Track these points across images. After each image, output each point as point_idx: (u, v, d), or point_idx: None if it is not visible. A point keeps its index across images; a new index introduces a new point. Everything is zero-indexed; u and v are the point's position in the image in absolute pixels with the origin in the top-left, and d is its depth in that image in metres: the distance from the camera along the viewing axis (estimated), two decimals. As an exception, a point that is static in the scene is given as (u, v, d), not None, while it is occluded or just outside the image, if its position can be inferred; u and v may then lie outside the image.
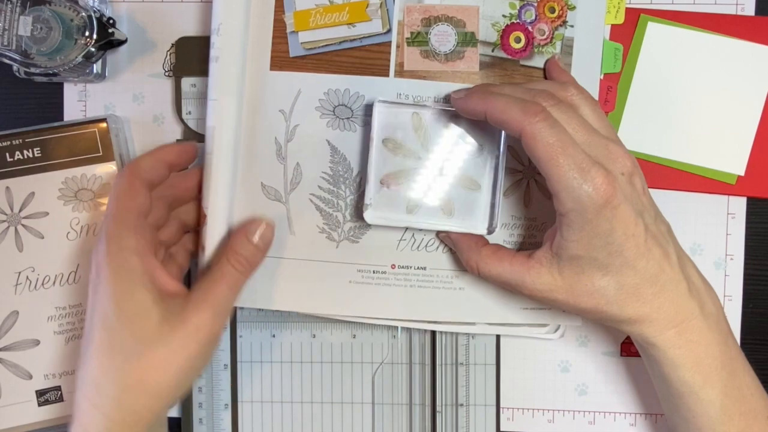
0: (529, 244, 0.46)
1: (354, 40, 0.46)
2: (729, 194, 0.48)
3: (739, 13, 0.47)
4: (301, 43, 0.46)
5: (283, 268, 0.46)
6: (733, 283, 0.48)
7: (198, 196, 0.45)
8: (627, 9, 0.47)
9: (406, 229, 0.46)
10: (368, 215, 0.44)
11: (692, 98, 0.47)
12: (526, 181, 0.46)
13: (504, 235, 0.46)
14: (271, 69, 0.46)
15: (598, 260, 0.38)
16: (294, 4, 0.46)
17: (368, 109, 0.45)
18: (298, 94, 0.46)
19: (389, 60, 0.46)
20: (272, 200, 0.46)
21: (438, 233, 0.46)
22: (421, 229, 0.46)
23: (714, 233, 0.48)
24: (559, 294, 0.40)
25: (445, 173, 0.45)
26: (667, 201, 0.48)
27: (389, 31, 0.46)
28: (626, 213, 0.37)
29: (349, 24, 0.46)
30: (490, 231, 0.44)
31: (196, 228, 0.46)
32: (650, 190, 0.47)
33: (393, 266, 0.46)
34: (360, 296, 0.47)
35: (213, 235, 0.44)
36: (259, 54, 0.46)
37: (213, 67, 0.44)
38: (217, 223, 0.44)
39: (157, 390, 0.38)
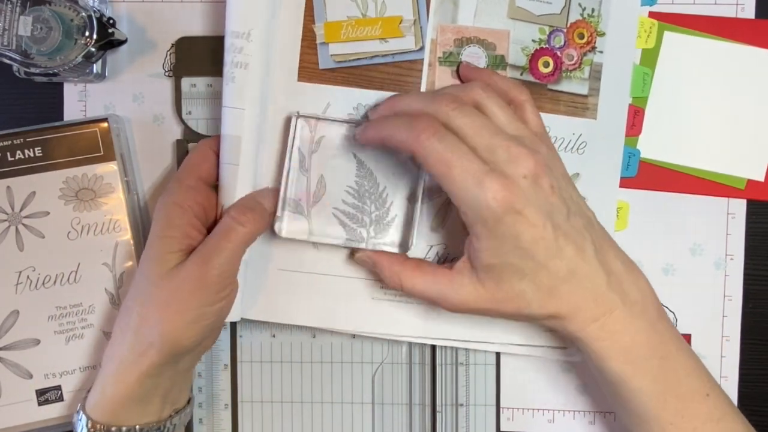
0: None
1: (386, 55, 0.45)
2: (740, 198, 0.48)
3: (740, 13, 0.47)
4: (332, 55, 0.45)
5: (305, 283, 0.46)
6: (733, 283, 0.48)
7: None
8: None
9: (431, 247, 0.46)
10: (280, 229, 0.45)
11: (708, 105, 0.47)
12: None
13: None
14: (299, 80, 0.45)
15: (513, 265, 0.38)
16: (325, 15, 0.45)
17: None
18: (326, 107, 0.45)
19: (421, 78, 0.46)
20: (293, 212, 0.45)
21: (355, 255, 0.45)
22: (333, 245, 0.46)
23: (714, 233, 0.48)
24: (483, 303, 0.40)
25: (363, 188, 0.45)
26: (668, 201, 0.48)
27: (422, 48, 0.45)
28: (531, 216, 0.37)
29: (382, 39, 0.45)
30: (405, 248, 0.44)
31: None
32: (654, 192, 0.48)
33: None
34: (382, 313, 0.47)
35: None
36: (286, 63, 0.45)
37: (239, 73, 0.43)
38: None
39: (159, 331, 0.40)
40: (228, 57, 0.43)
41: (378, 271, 0.44)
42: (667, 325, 0.41)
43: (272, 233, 0.45)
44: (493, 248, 0.38)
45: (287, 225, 0.45)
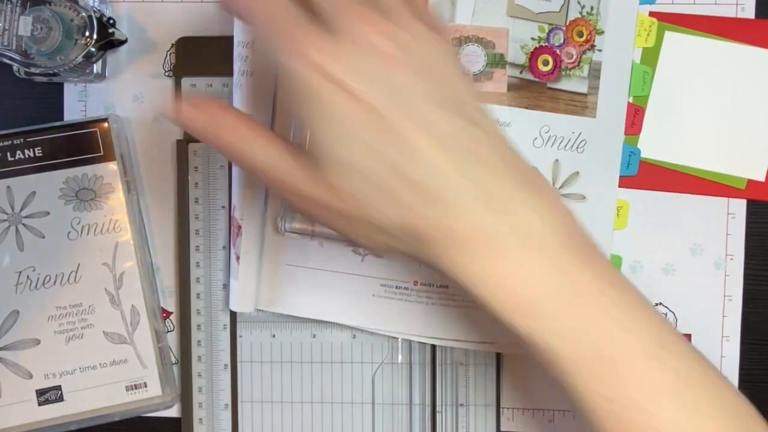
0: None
1: None
2: (740, 198, 0.48)
3: (740, 13, 0.47)
4: None
5: (311, 278, 0.47)
6: (733, 283, 0.48)
7: None
8: (627, 9, 0.47)
9: None
10: (283, 227, 0.46)
11: (708, 105, 0.47)
12: None
13: None
14: None
15: (355, 162, 0.30)
16: None
17: None
18: None
19: None
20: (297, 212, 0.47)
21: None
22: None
23: (714, 233, 0.48)
24: (318, 195, 0.32)
25: None
26: (668, 201, 0.48)
27: None
28: (368, 99, 0.29)
29: None
30: None
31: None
32: (654, 192, 0.48)
33: (416, 282, 0.47)
34: (382, 310, 0.47)
35: (248, 246, 0.46)
36: None
37: (244, 80, 0.45)
38: (252, 234, 0.46)
39: None
40: (235, 66, 0.45)
41: (215, 130, 0.33)
42: (589, 259, 0.32)
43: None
44: (323, 135, 0.30)
45: (290, 224, 0.46)
